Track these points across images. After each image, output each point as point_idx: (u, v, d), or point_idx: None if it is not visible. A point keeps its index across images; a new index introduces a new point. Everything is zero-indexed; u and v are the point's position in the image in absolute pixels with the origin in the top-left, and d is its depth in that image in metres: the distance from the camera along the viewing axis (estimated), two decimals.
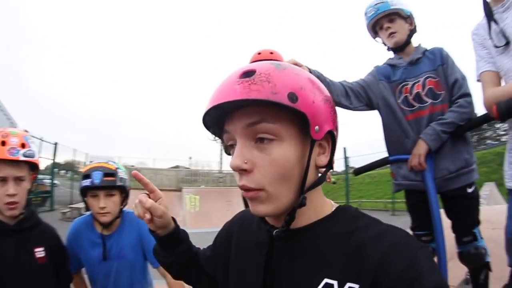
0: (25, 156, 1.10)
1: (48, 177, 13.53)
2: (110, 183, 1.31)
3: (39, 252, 1.15)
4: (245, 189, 0.53)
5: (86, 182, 1.30)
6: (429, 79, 1.55)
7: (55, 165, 13.60)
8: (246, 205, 0.60)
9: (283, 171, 0.51)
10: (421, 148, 1.45)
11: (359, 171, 1.76)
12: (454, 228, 1.54)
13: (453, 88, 1.50)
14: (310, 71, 1.42)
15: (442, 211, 1.56)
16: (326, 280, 0.50)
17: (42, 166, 14.37)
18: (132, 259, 1.41)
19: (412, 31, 1.65)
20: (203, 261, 0.78)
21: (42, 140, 11.90)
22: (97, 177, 1.29)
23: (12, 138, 1.09)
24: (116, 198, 1.35)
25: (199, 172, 16.61)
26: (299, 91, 0.50)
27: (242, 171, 0.52)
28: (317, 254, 0.53)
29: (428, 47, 1.66)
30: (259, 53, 1.92)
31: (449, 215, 1.58)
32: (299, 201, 0.52)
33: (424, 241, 1.58)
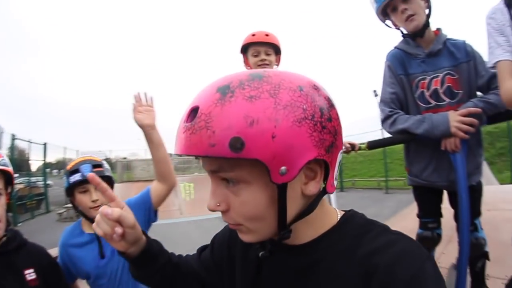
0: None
1: (41, 178, 13.34)
2: (100, 173, 1.26)
3: (30, 274, 1.06)
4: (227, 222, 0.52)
5: (76, 177, 1.22)
6: (448, 76, 1.43)
7: (46, 165, 13.42)
8: None
9: (255, 213, 0.47)
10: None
11: (374, 144, 1.66)
12: (456, 218, 1.53)
13: (490, 81, 1.38)
14: None
15: (445, 198, 1.62)
16: None
17: (33, 167, 14.22)
18: None
19: (430, 11, 1.46)
20: (196, 266, 0.71)
21: (31, 142, 11.73)
22: (86, 170, 1.24)
23: None
24: None
25: (191, 160, 16.53)
26: (246, 131, 0.40)
27: (223, 213, 0.50)
28: (324, 270, 0.50)
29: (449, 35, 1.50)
30: (253, 35, 1.84)
31: (452, 205, 1.59)
32: (280, 236, 0.49)
33: (430, 227, 1.61)
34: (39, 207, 12.50)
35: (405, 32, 1.52)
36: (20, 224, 10.10)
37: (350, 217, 0.55)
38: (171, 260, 0.69)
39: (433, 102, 1.47)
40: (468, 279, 1.44)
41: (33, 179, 13.01)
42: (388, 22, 1.55)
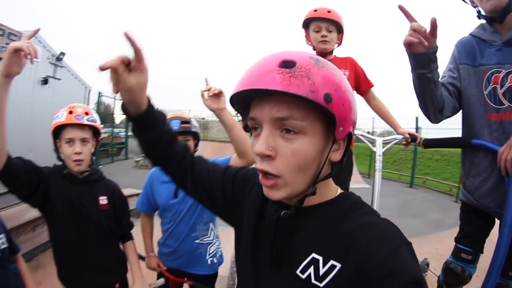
0: (88, 121, 1.30)
1: (123, 130, 15.17)
2: (187, 129, 1.50)
3: (103, 199, 1.39)
4: (263, 173, 0.55)
5: None
6: None
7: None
8: None
9: (303, 163, 0.54)
10: None
11: (429, 143, 1.50)
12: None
13: None
14: None
15: (495, 229, 1.30)
16: (313, 255, 0.55)
17: (117, 120, 16.13)
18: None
19: None
20: (202, 167, 0.78)
21: (115, 99, 13.27)
22: (175, 124, 1.47)
23: (77, 109, 1.30)
24: (191, 143, 1.53)
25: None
26: (333, 93, 0.51)
27: (264, 157, 0.54)
28: (312, 232, 0.58)
29: None
30: (315, 10, 1.82)
31: None
32: (311, 191, 0.57)
33: (463, 259, 1.35)
34: (119, 154, 14.20)
35: (482, 13, 1.26)
36: (101, 166, 11.47)
37: (346, 195, 0.62)
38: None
39: (506, 104, 1.19)
40: None
41: (116, 130, 14.80)
42: None
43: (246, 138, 1.27)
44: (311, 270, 0.54)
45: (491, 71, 1.22)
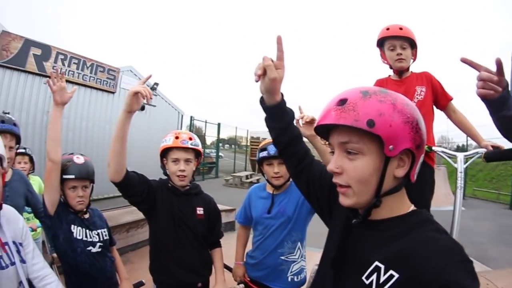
0: (192, 145, 1.53)
1: (214, 150, 16.59)
2: None
3: (200, 210, 1.60)
4: (338, 184, 0.70)
5: (263, 154, 1.64)
6: None
7: (219, 140, 16.43)
8: None
9: (363, 176, 0.66)
10: None
11: (491, 156, 1.41)
12: None
13: None
14: None
15: None
16: (376, 263, 0.62)
17: (208, 141, 17.71)
18: (290, 217, 1.63)
19: None
20: (317, 168, 0.93)
21: (207, 122, 14.71)
22: (272, 149, 1.60)
23: (182, 134, 1.55)
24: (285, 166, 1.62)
25: None
26: (377, 118, 0.62)
27: (335, 173, 0.69)
28: (378, 242, 0.66)
29: None
30: (388, 29, 1.86)
31: None
32: (373, 203, 0.67)
33: None
34: (210, 173, 15.47)
35: None
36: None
37: (417, 212, 0.69)
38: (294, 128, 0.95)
39: None
40: None
41: (207, 150, 16.30)
42: None
43: None
44: (374, 277, 0.62)
45: None
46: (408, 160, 0.67)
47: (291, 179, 1.61)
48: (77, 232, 1.46)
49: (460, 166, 1.75)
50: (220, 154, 17.11)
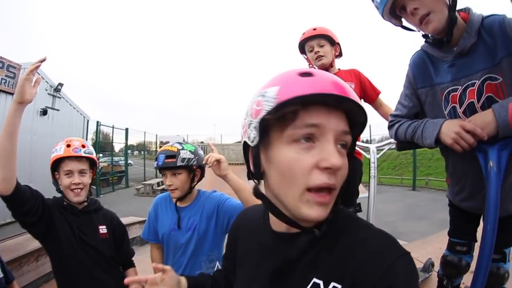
0: (85, 153, 1.37)
1: (122, 158, 15.14)
2: (170, 164, 1.42)
3: (102, 229, 1.44)
4: (330, 188, 0.52)
5: (155, 164, 1.49)
6: (488, 82, 1.03)
7: (128, 147, 15.09)
8: None
9: (345, 177, 0.54)
10: (486, 121, 0.98)
11: (401, 145, 1.39)
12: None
13: None
14: None
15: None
16: (314, 280, 0.53)
17: (116, 149, 16.18)
18: (202, 231, 1.46)
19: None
20: (229, 276, 0.82)
21: (114, 127, 13.43)
22: (160, 160, 1.44)
23: (74, 142, 1.38)
24: (182, 176, 1.44)
25: None
26: None
27: (335, 171, 0.51)
28: (310, 255, 0.55)
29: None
30: (303, 33, 1.92)
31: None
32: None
33: (458, 251, 1.36)
34: (120, 182, 14.13)
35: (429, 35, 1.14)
36: (102, 195, 11.36)
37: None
38: None
39: None
40: None
41: (116, 158, 14.79)
42: (405, 23, 1.14)
43: (252, 198, 1.27)
44: None
45: (447, 90, 1.13)
46: None
47: (197, 190, 1.56)
48: None
49: (373, 156, 1.86)
50: (129, 161, 15.74)
